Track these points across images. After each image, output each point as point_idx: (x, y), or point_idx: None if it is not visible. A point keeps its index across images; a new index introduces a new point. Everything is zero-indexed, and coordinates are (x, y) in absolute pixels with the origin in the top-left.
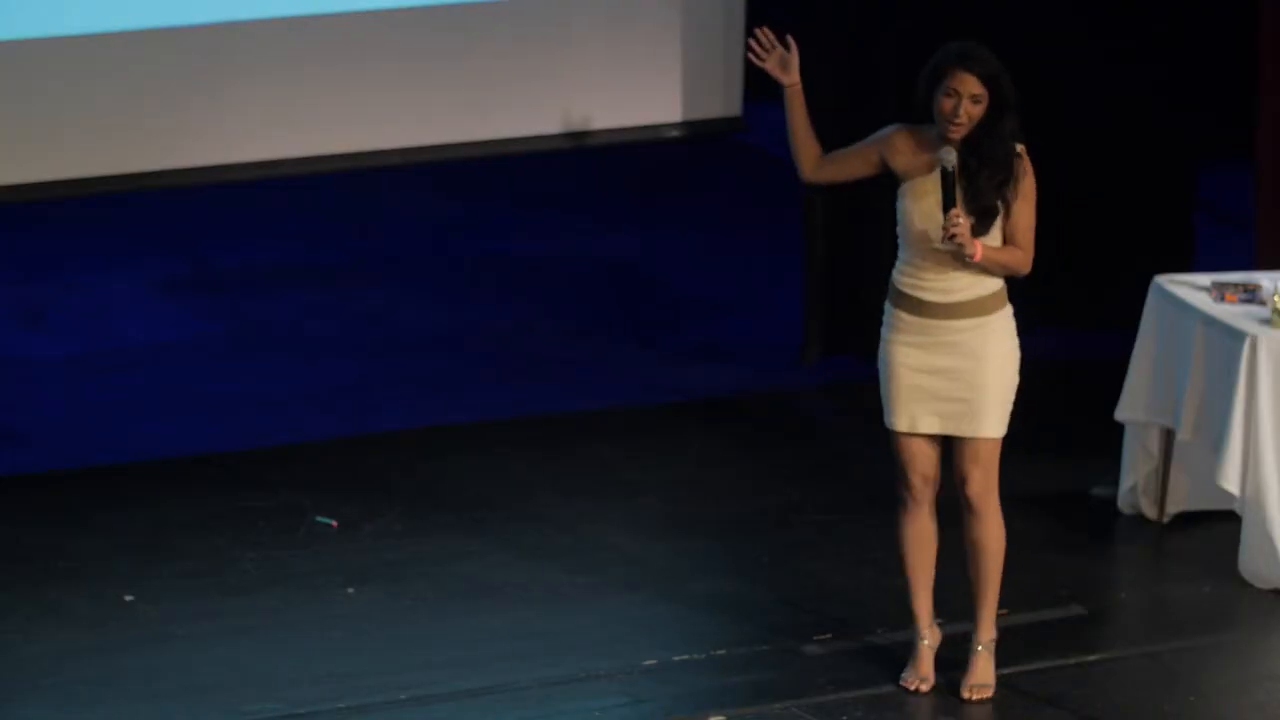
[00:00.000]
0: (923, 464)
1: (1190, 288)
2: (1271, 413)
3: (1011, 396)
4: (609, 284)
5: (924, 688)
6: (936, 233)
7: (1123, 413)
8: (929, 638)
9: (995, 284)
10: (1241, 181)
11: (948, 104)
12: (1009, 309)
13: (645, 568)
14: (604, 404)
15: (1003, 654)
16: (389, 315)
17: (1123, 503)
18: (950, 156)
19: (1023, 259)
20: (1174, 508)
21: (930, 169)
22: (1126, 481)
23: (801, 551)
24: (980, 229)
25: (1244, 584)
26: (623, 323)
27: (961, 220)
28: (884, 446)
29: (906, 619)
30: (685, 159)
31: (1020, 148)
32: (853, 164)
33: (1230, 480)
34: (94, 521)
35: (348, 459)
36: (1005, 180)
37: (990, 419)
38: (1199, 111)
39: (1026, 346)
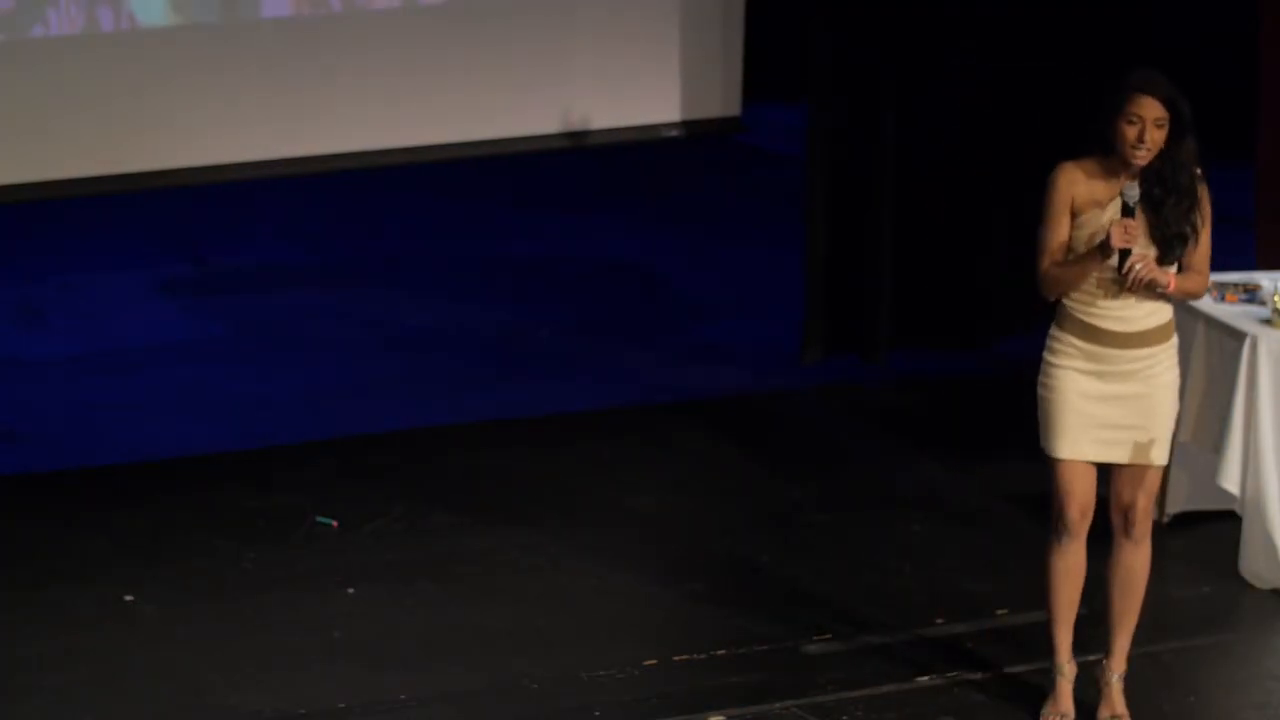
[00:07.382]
0: (1082, 494)
1: None
2: (1271, 413)
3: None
4: (609, 284)
5: None
6: (1114, 264)
7: None
8: (1068, 671)
9: (1169, 312)
10: (1241, 181)
11: (1131, 131)
12: (1176, 336)
13: (645, 568)
14: (604, 404)
15: (1002, 654)
16: (389, 315)
17: None
18: (1133, 192)
19: (1202, 285)
20: (1174, 508)
21: (1106, 198)
22: None
23: (801, 551)
24: (1166, 258)
25: (1244, 584)
26: (622, 323)
27: (1142, 261)
28: (884, 445)
29: (908, 620)
30: (685, 159)
31: (1199, 171)
32: (1065, 237)
33: (1230, 480)
34: (94, 521)
35: (348, 459)
36: (1192, 206)
37: (1161, 447)
38: (1197, 111)
39: (1028, 346)
